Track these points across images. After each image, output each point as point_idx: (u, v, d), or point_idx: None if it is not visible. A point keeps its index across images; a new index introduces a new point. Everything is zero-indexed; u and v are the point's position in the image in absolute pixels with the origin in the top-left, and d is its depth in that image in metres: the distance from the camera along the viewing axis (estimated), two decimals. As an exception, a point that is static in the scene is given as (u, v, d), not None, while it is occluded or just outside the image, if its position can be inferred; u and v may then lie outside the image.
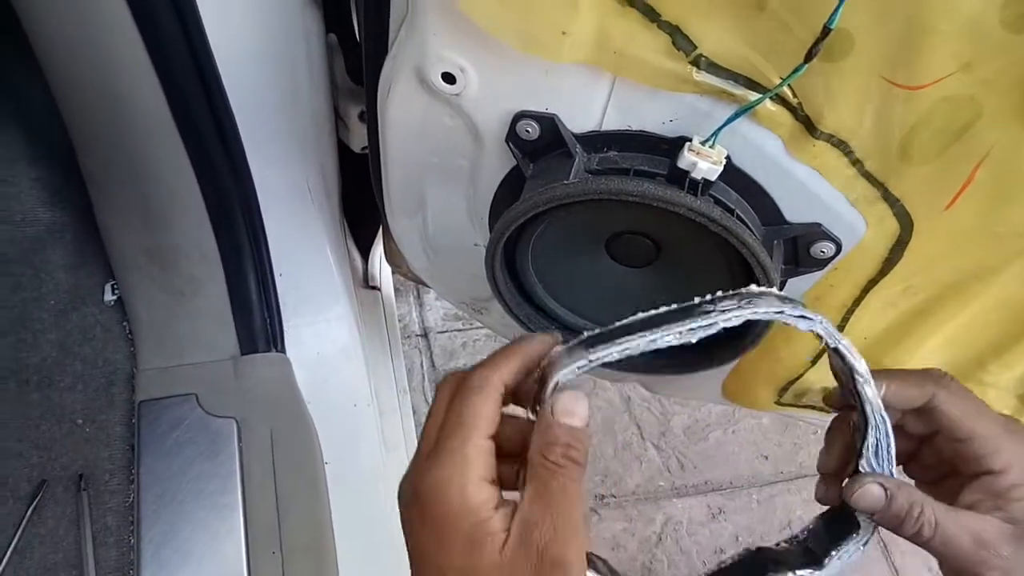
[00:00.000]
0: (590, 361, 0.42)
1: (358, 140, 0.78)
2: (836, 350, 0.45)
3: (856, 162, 0.50)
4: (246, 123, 0.68)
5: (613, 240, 0.60)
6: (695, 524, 1.49)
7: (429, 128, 0.58)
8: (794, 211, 0.54)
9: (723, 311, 0.43)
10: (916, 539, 0.44)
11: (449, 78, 0.52)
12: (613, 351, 0.42)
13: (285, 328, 0.83)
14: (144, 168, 0.71)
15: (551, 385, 0.42)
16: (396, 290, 1.28)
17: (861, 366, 0.45)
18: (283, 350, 0.82)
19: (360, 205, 0.91)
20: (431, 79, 0.53)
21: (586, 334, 0.44)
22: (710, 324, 0.42)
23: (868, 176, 0.51)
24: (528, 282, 0.64)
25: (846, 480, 0.47)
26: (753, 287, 0.45)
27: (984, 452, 0.45)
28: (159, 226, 0.76)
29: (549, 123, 0.53)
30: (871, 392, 0.45)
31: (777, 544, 0.51)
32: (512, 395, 0.44)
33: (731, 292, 0.45)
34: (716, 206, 0.52)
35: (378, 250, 1.05)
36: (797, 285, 0.60)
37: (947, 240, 0.54)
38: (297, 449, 0.75)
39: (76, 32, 0.59)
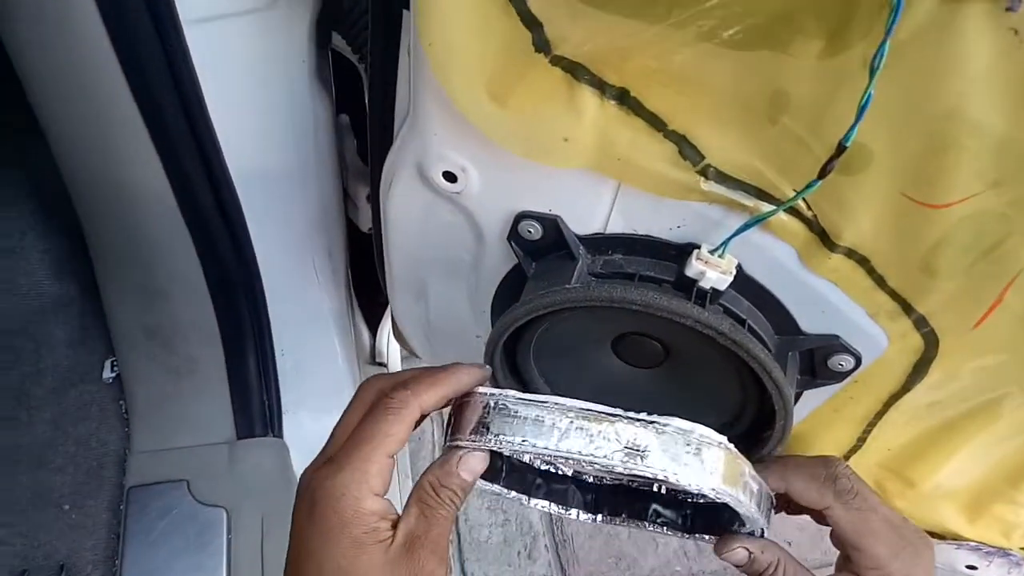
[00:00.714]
0: (490, 446, 0.44)
1: (366, 220, 0.77)
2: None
3: (876, 276, 0.47)
4: (250, 204, 0.67)
5: (620, 340, 0.57)
6: (712, 613, 1.42)
7: (430, 222, 0.56)
8: (810, 322, 0.51)
9: (626, 450, 0.43)
10: None
11: (450, 176, 0.51)
12: (514, 447, 0.43)
13: (284, 412, 0.80)
14: (146, 247, 0.70)
15: (458, 455, 0.45)
16: (406, 358, 1.26)
17: (752, 515, 0.47)
18: (280, 435, 0.80)
19: (370, 281, 0.90)
20: (432, 177, 0.51)
21: (511, 395, 0.45)
22: (597, 466, 0.44)
23: (889, 291, 0.48)
24: (531, 379, 0.61)
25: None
26: (674, 420, 0.44)
27: (864, 564, 0.50)
28: (160, 304, 0.75)
29: (552, 224, 0.51)
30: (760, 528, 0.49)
31: (669, 491, 0.55)
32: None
33: (647, 416, 0.44)
34: (725, 317, 0.49)
35: (387, 326, 1.03)
36: (814, 396, 0.57)
37: (975, 359, 0.51)
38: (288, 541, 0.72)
39: (81, 113, 0.59)
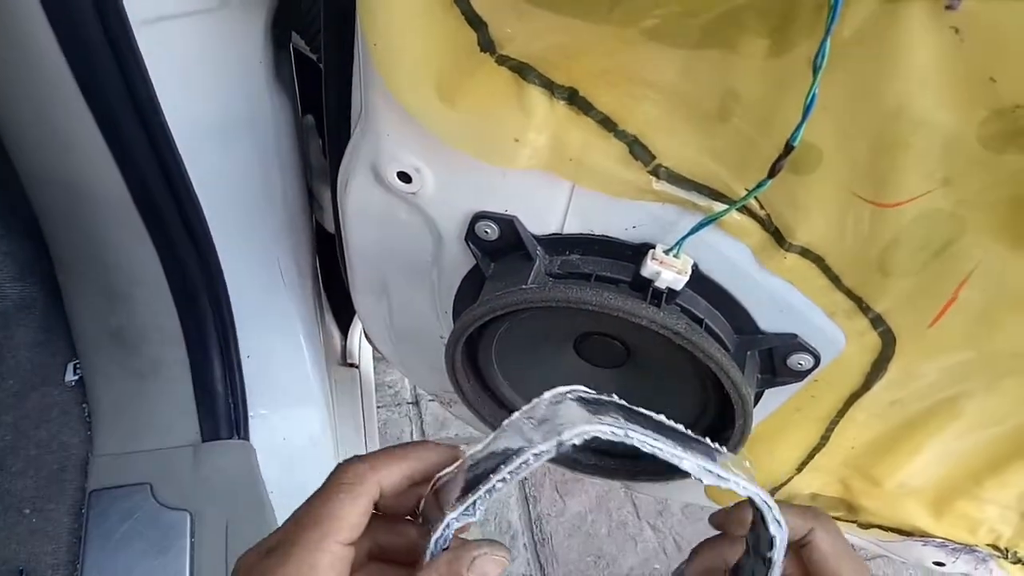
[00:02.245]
0: (473, 504, 0.38)
1: (332, 221, 0.76)
2: (763, 517, 0.43)
3: (831, 276, 0.47)
4: (212, 207, 0.67)
5: (582, 340, 0.57)
6: (692, 610, 1.42)
7: (388, 222, 0.56)
8: (768, 321, 0.51)
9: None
10: None
11: (405, 177, 0.50)
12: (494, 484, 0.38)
13: (250, 414, 0.80)
14: (107, 250, 0.69)
15: (472, 557, 0.38)
16: (379, 360, 1.24)
17: (781, 536, 0.43)
18: (247, 437, 0.79)
19: (341, 282, 0.89)
20: (386, 177, 0.51)
21: (471, 455, 0.40)
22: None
23: (845, 290, 0.48)
24: (493, 381, 0.61)
25: None
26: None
27: None
28: (122, 307, 0.75)
29: (508, 225, 0.51)
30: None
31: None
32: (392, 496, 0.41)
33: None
34: (682, 317, 0.49)
35: (358, 328, 1.03)
36: (775, 396, 0.57)
37: (933, 357, 0.51)
38: (254, 544, 0.71)
39: (33, 117, 0.58)
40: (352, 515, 0.37)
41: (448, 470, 0.41)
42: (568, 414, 0.39)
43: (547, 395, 0.42)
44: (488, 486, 0.37)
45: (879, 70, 0.37)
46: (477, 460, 0.40)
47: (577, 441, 0.37)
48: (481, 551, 0.37)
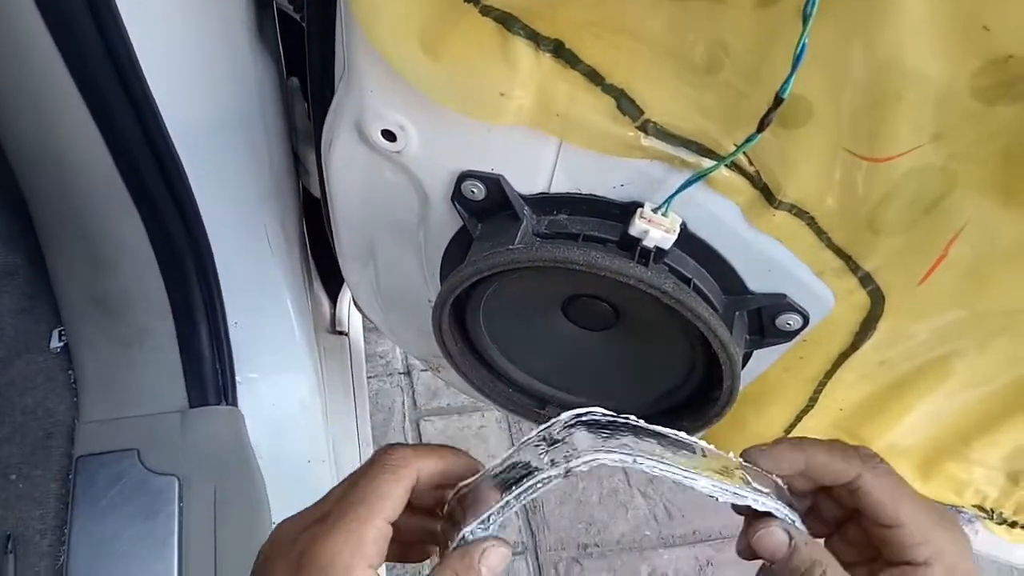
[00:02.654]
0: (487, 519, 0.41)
1: (318, 186, 0.76)
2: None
3: (821, 233, 0.47)
4: (197, 172, 0.65)
5: (570, 302, 0.57)
6: (682, 576, 1.43)
7: (373, 183, 0.55)
8: (757, 281, 0.51)
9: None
10: None
11: (389, 135, 0.49)
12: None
13: (238, 380, 0.79)
14: (90, 217, 0.68)
15: (481, 549, 0.40)
16: (371, 330, 1.23)
17: (780, 512, 0.43)
18: (235, 403, 0.79)
19: (329, 249, 0.89)
20: (370, 136, 0.50)
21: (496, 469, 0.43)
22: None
23: (834, 248, 0.47)
24: (481, 344, 0.60)
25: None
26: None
27: (910, 542, 0.42)
28: (107, 274, 0.74)
29: (495, 184, 0.50)
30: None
31: None
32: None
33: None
34: (669, 276, 0.48)
35: (347, 295, 1.02)
36: (764, 357, 0.57)
37: (923, 316, 0.51)
38: (242, 509, 0.71)
39: (10, 79, 0.57)
40: (396, 495, 0.41)
41: (467, 481, 0.44)
42: (580, 438, 0.42)
43: (564, 416, 0.44)
44: (500, 504, 0.40)
45: (870, 18, 0.36)
46: (496, 475, 0.43)
47: (585, 469, 0.40)
48: (489, 543, 0.40)
